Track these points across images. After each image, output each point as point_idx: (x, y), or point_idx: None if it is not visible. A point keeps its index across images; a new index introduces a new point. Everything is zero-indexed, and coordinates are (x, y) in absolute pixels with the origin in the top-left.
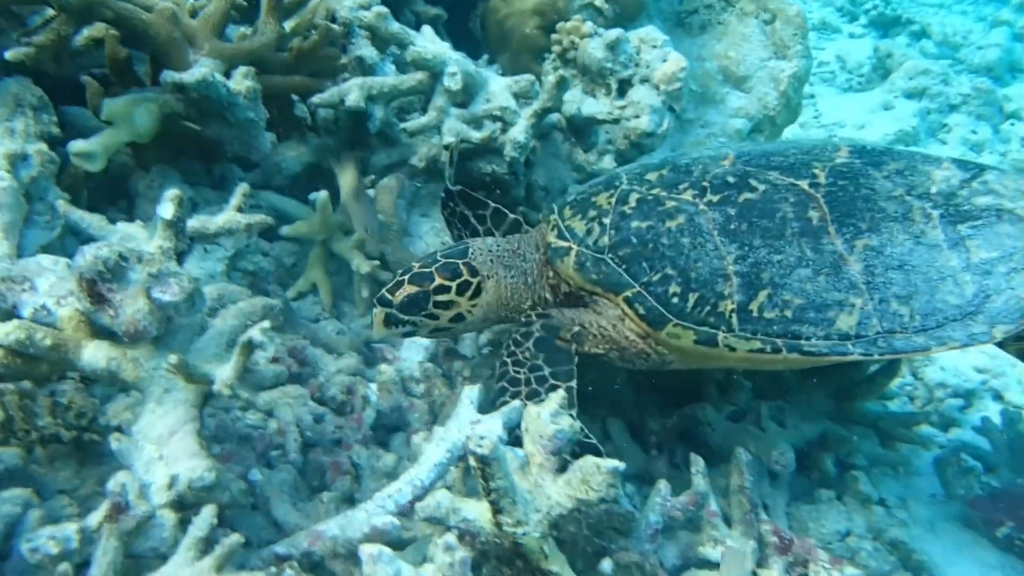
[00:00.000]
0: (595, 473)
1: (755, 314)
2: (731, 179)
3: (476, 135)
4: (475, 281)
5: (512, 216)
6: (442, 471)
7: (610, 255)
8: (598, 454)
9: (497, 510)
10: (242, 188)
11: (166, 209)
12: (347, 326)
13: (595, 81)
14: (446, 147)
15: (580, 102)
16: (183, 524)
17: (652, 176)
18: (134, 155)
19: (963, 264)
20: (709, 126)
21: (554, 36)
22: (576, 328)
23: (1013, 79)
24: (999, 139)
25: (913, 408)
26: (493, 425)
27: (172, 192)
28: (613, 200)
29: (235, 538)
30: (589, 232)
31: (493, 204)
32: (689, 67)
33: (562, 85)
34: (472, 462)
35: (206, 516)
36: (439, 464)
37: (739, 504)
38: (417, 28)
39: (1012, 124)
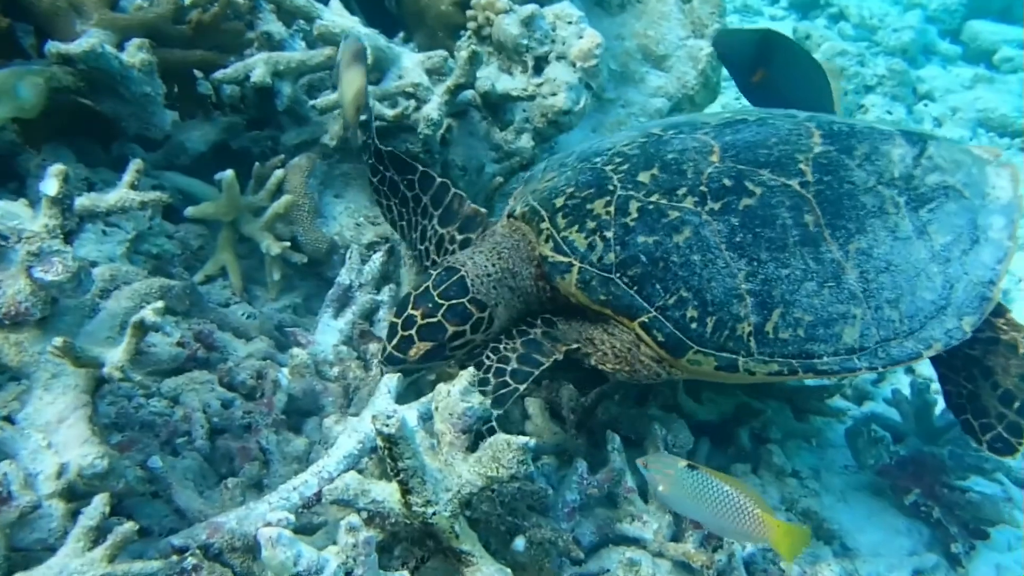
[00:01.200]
0: (505, 450)
1: (771, 335)
2: (727, 182)
3: (389, 112)
4: (486, 315)
5: (439, 179)
6: (352, 462)
7: (619, 274)
8: None
9: (406, 490)
10: (135, 164)
11: (50, 185)
12: (258, 310)
13: (511, 58)
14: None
15: (495, 79)
16: (74, 514)
17: (644, 177)
18: (23, 133)
19: (929, 254)
20: (629, 105)
21: (469, 12)
22: (582, 344)
23: (926, 61)
24: (913, 119)
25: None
26: (405, 411)
27: (56, 167)
28: (612, 209)
29: (128, 527)
30: (592, 247)
31: (421, 167)
32: (608, 46)
33: (474, 60)
34: (379, 442)
35: (97, 505)
36: (349, 455)
37: None
38: (325, 2)
39: (925, 105)
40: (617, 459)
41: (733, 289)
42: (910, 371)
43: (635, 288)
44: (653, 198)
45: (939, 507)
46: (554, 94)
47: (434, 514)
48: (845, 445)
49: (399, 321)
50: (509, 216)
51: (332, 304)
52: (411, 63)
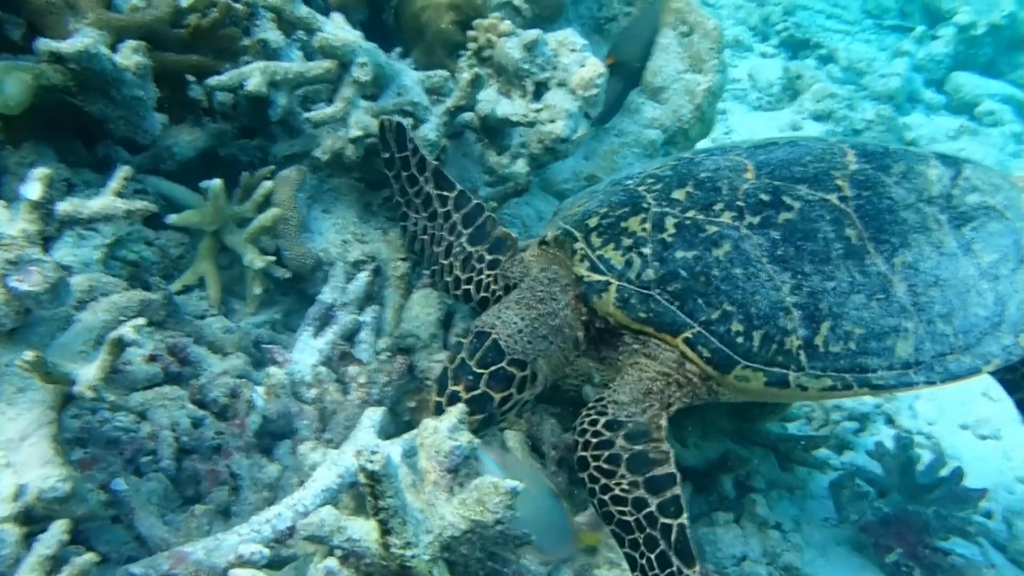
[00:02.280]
0: (492, 493)
1: (821, 349)
2: (764, 197)
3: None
4: (528, 372)
5: (475, 200)
6: (330, 497)
7: (658, 290)
8: None
9: (386, 530)
10: (123, 171)
11: (32, 189)
12: (236, 324)
13: (511, 82)
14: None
15: (495, 102)
16: (29, 539)
17: (679, 195)
18: (5, 129)
19: (978, 271)
20: (624, 135)
21: (470, 33)
22: (651, 404)
23: (912, 108)
24: None
25: (811, 430)
26: (388, 447)
27: (40, 170)
28: (648, 226)
29: (87, 558)
30: (629, 264)
31: (459, 187)
32: (607, 73)
33: (476, 83)
34: (361, 478)
35: (55, 532)
36: (327, 489)
37: None
38: (327, 14)
39: None
40: None
41: (778, 302)
42: (890, 423)
43: (676, 304)
44: (689, 214)
45: (920, 568)
46: (552, 121)
47: (413, 557)
48: (827, 496)
49: (444, 399)
50: (541, 244)
51: (312, 322)
52: (411, 81)
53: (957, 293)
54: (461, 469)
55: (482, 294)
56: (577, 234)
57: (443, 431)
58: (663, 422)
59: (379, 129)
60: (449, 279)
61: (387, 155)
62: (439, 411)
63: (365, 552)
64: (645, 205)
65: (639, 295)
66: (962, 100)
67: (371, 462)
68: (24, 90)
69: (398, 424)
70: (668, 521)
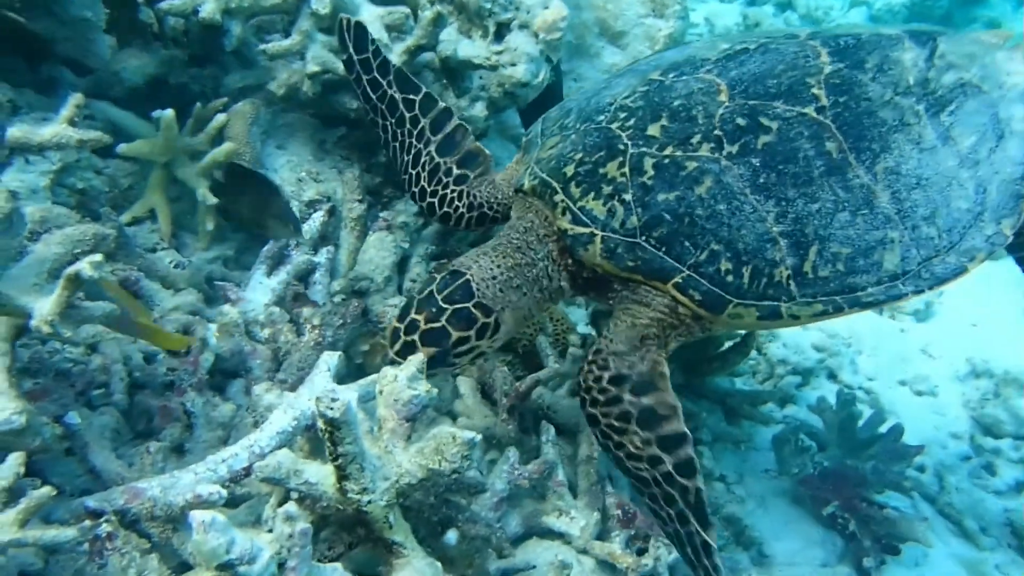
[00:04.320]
0: (450, 443)
1: (811, 275)
2: (741, 121)
3: (342, 66)
4: (492, 320)
5: (443, 105)
6: (285, 439)
7: (644, 237)
8: None
9: (343, 476)
10: (75, 99)
11: None
12: (188, 259)
13: (472, 21)
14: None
15: (456, 43)
16: None
17: (654, 130)
18: None
19: (958, 160)
20: (581, 79)
21: None
22: (648, 349)
23: None
24: None
25: (756, 383)
26: (348, 394)
27: None
28: (627, 170)
29: (44, 491)
30: (612, 212)
31: (425, 89)
32: (569, 16)
33: (439, 22)
34: (320, 424)
35: (11, 464)
36: (283, 432)
37: (586, 475)
38: None
39: None
40: (550, 451)
41: (765, 234)
42: (833, 378)
43: (663, 249)
44: (667, 151)
45: (855, 520)
46: (513, 64)
47: (369, 502)
48: (769, 449)
49: (402, 326)
50: (517, 191)
51: (266, 261)
52: (370, 16)
53: (939, 190)
54: (419, 418)
55: (445, 209)
56: (556, 184)
57: (402, 380)
58: (665, 369)
59: (337, 29)
60: (416, 189)
61: (345, 57)
62: (394, 337)
63: (321, 496)
64: (621, 147)
65: (625, 244)
66: None
67: (331, 409)
68: None
69: (351, 367)
70: (685, 482)
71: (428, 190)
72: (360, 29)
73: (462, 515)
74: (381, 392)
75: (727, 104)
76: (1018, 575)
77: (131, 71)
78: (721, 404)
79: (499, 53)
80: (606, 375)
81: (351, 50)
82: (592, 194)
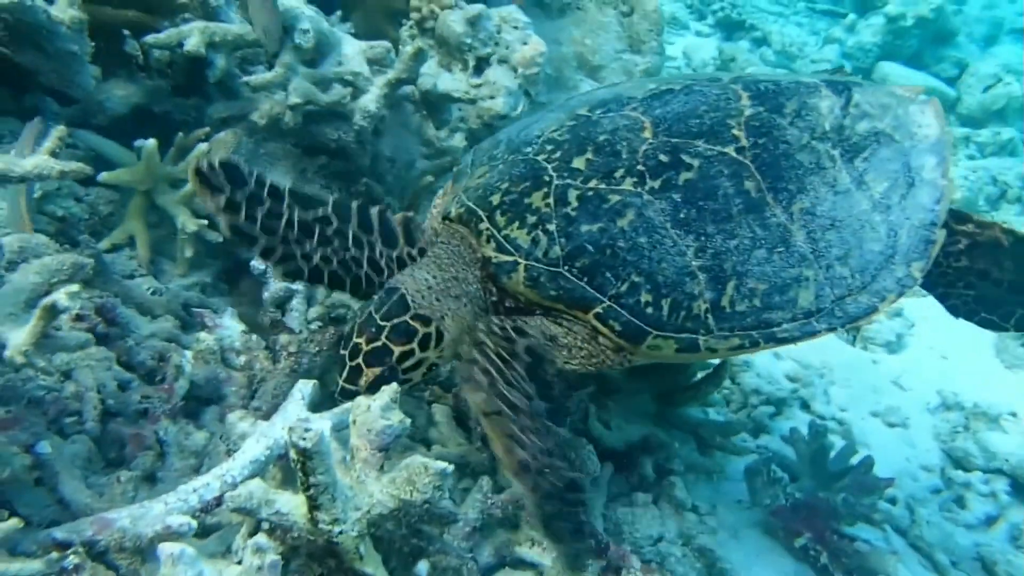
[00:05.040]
0: (422, 474)
1: (728, 310)
2: (664, 157)
3: (324, 98)
4: (433, 329)
5: (355, 202)
6: (258, 469)
7: (567, 267)
8: None
9: (315, 506)
10: (58, 131)
11: None
12: (165, 285)
13: (452, 55)
14: None
15: (436, 76)
16: None
17: (579, 163)
18: None
19: (871, 204)
20: None
21: (413, 2)
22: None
23: None
24: None
25: (729, 412)
26: (321, 423)
27: None
28: (552, 200)
29: (11, 522)
30: (536, 242)
31: (328, 196)
32: (547, 51)
33: (419, 57)
34: (293, 454)
35: None
36: (255, 461)
37: None
38: None
39: None
40: None
41: (684, 267)
42: (806, 407)
43: (585, 279)
44: (591, 184)
45: (827, 553)
46: (492, 97)
47: (340, 533)
48: (741, 480)
49: (346, 352)
50: (445, 219)
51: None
52: (353, 51)
53: (853, 232)
54: (392, 448)
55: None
56: (481, 213)
57: (375, 409)
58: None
59: (196, 177)
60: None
61: (221, 199)
62: (340, 365)
63: (293, 526)
64: (547, 178)
65: (548, 273)
66: None
67: (304, 439)
68: None
69: (325, 395)
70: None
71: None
72: (229, 167)
73: (433, 546)
74: (354, 422)
75: (651, 140)
76: None
77: (115, 101)
78: (693, 434)
79: (478, 87)
80: (512, 325)
81: (226, 190)
82: (517, 223)
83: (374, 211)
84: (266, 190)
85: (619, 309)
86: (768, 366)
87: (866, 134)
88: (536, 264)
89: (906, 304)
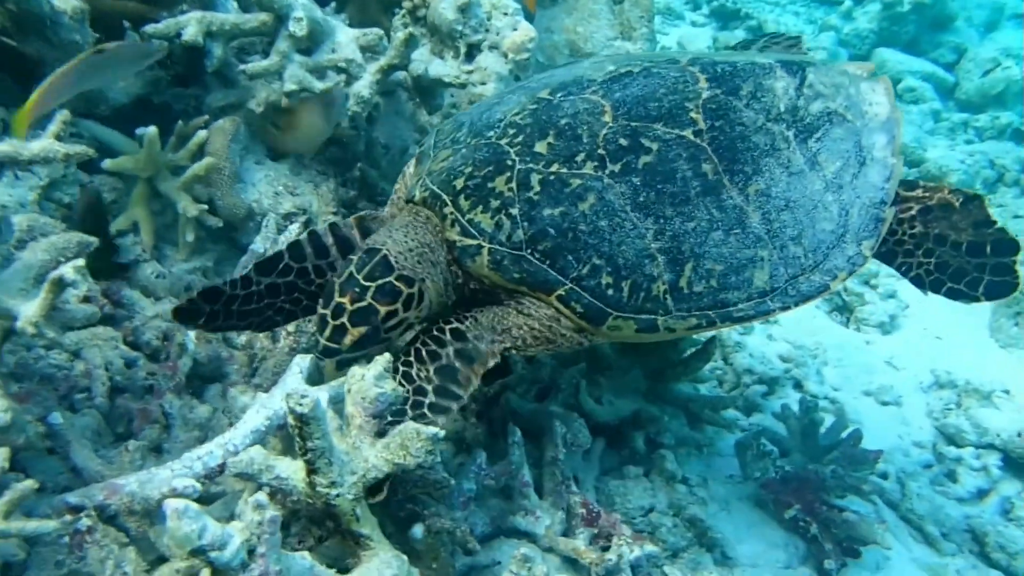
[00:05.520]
0: (414, 439)
1: (686, 291)
2: (624, 141)
3: (319, 85)
4: (416, 290)
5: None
6: (259, 438)
7: (530, 251)
8: None
9: (312, 470)
10: (62, 115)
11: None
12: (168, 269)
13: (444, 42)
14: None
15: (428, 62)
16: None
17: (541, 147)
18: None
19: (823, 184)
20: None
21: None
22: (499, 341)
23: None
24: None
25: (722, 392)
26: (318, 393)
27: None
28: (515, 185)
29: (27, 484)
30: (499, 226)
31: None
32: (538, 38)
33: (410, 43)
34: (291, 420)
35: None
36: (256, 431)
37: (551, 476)
38: None
39: None
40: (516, 453)
41: (644, 250)
42: (799, 387)
43: (548, 262)
44: (553, 168)
45: (816, 523)
46: (483, 83)
47: (337, 496)
48: (733, 454)
49: (328, 311)
50: (408, 202)
51: (243, 271)
52: (345, 38)
53: (806, 212)
54: (385, 415)
55: None
56: (446, 197)
57: (369, 378)
58: (496, 358)
59: (181, 315)
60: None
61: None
62: (322, 324)
63: (292, 490)
64: (509, 162)
65: (511, 256)
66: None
67: (300, 405)
68: None
69: (323, 374)
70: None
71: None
72: (212, 291)
73: (428, 510)
74: (349, 391)
75: (611, 124)
76: None
77: (116, 91)
78: (684, 409)
79: (469, 73)
80: (451, 326)
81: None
82: (480, 207)
83: (323, 230)
84: (237, 286)
85: (581, 291)
86: (761, 347)
87: (819, 114)
88: (500, 248)
89: (900, 286)
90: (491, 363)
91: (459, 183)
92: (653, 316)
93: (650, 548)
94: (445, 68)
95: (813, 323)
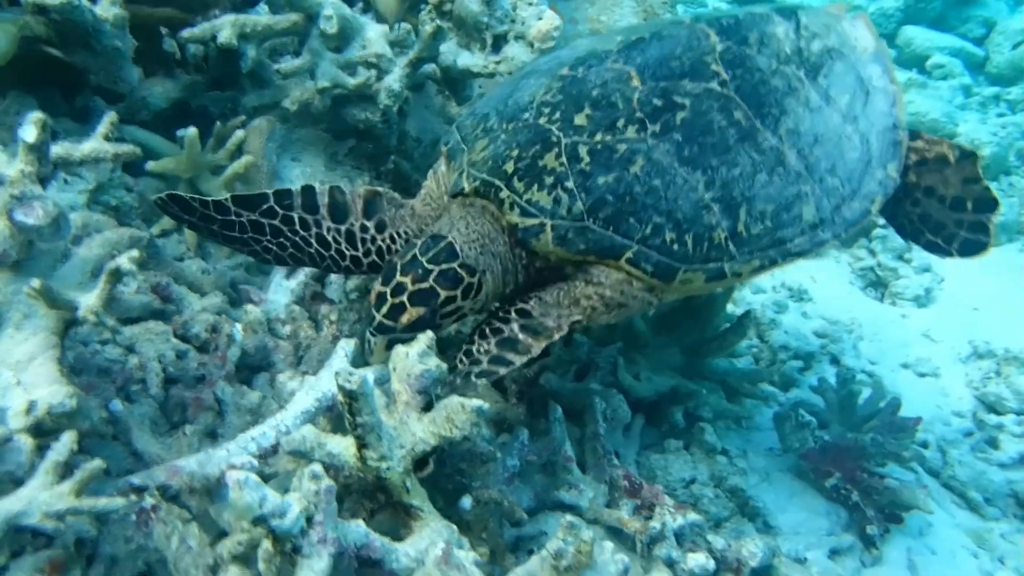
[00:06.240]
0: (459, 412)
1: (745, 235)
2: (657, 101)
3: (351, 81)
4: (476, 280)
5: (291, 188)
6: (308, 419)
7: (592, 220)
8: None
9: (362, 445)
10: (110, 116)
11: (29, 132)
12: (212, 266)
13: (470, 35)
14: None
15: (456, 54)
16: (41, 450)
17: (580, 120)
18: None
19: (841, 117)
20: None
21: None
22: (570, 315)
23: None
24: None
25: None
26: (365, 372)
27: (35, 115)
28: (564, 159)
29: (95, 463)
30: (557, 201)
31: (265, 191)
32: (563, 26)
33: (438, 35)
34: (340, 397)
35: (66, 441)
36: (306, 411)
37: (593, 451)
38: None
39: None
40: (558, 429)
41: (699, 201)
42: (835, 362)
43: (611, 228)
44: (598, 137)
45: (858, 491)
46: (511, 73)
47: (388, 469)
48: (772, 428)
49: (387, 289)
50: (455, 196)
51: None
52: (375, 34)
53: (834, 144)
54: (430, 391)
55: (388, 257)
56: (499, 183)
57: (413, 356)
58: (563, 332)
59: (162, 208)
60: (346, 264)
61: (188, 222)
62: (380, 301)
63: (343, 466)
64: (554, 139)
65: (575, 228)
66: (913, 53)
67: (349, 382)
68: (9, 41)
69: (371, 354)
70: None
71: (359, 255)
72: (177, 199)
73: (475, 483)
74: (394, 369)
75: (641, 88)
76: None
77: (156, 96)
78: (721, 384)
79: (497, 63)
80: (518, 306)
81: (185, 217)
82: (536, 186)
83: (321, 190)
84: (209, 207)
85: (648, 251)
86: (796, 324)
87: (820, 52)
88: (562, 222)
89: (934, 259)
90: (557, 337)
91: (509, 167)
92: (719, 264)
93: (693, 516)
94: (473, 59)
95: (848, 299)
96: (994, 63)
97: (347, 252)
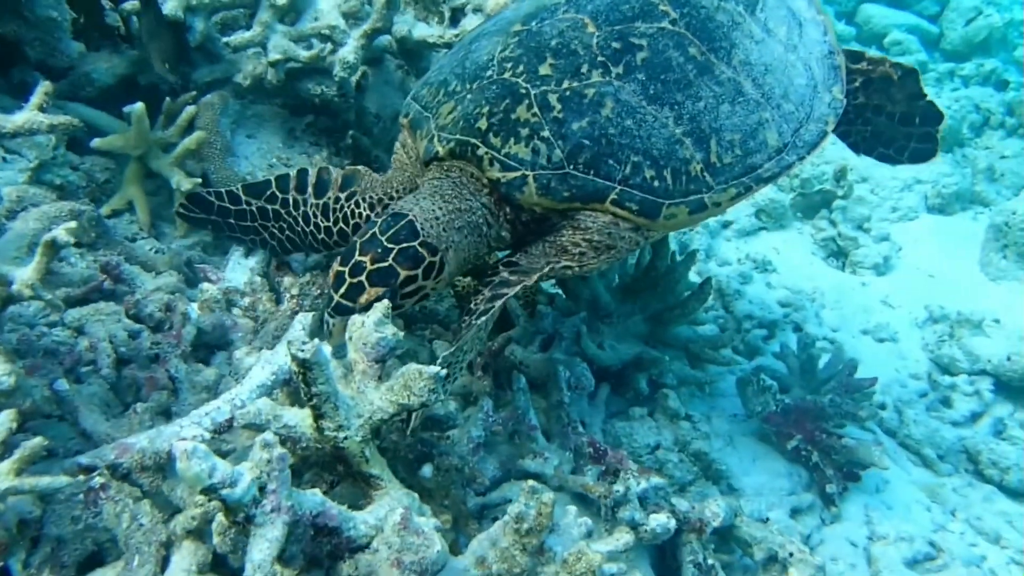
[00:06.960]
0: (417, 378)
1: (718, 164)
2: (616, 44)
3: (304, 53)
4: (438, 259)
5: (282, 173)
6: (265, 392)
7: (572, 166)
8: None
9: (319, 415)
10: (44, 86)
11: None
12: (167, 246)
13: (428, 8)
14: None
15: (412, 25)
16: None
17: (545, 70)
18: None
19: (783, 47)
20: None
21: None
22: (557, 262)
23: None
24: None
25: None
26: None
27: None
28: (537, 110)
29: (36, 441)
30: (536, 151)
31: (261, 178)
32: None
33: (392, 5)
34: (294, 367)
35: (4, 420)
36: (262, 385)
37: (557, 418)
38: None
39: None
40: (521, 398)
41: (671, 137)
42: (798, 330)
43: (592, 172)
44: (565, 84)
45: (817, 451)
46: None
47: (345, 439)
48: (735, 394)
49: (346, 269)
50: (428, 162)
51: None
52: (327, 5)
53: (782, 72)
54: (387, 359)
55: (354, 221)
56: (474, 141)
57: (369, 324)
58: (552, 277)
59: (185, 208)
60: (320, 236)
61: (208, 216)
62: (339, 281)
63: (301, 437)
64: (523, 91)
65: (557, 176)
66: (871, 31)
67: (302, 351)
68: None
69: (330, 334)
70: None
71: (331, 224)
72: (197, 198)
73: (436, 450)
74: (351, 338)
75: (597, 34)
76: (974, 496)
77: (101, 72)
78: (684, 351)
79: (456, 36)
80: (505, 260)
81: (202, 212)
82: (512, 139)
83: (312, 172)
84: (224, 198)
85: (631, 190)
86: (760, 294)
87: None
88: (543, 172)
89: (892, 229)
90: (546, 277)
91: (482, 124)
92: (699, 195)
93: (656, 480)
94: (430, 30)
95: (810, 269)
96: (948, 39)
97: (322, 224)
